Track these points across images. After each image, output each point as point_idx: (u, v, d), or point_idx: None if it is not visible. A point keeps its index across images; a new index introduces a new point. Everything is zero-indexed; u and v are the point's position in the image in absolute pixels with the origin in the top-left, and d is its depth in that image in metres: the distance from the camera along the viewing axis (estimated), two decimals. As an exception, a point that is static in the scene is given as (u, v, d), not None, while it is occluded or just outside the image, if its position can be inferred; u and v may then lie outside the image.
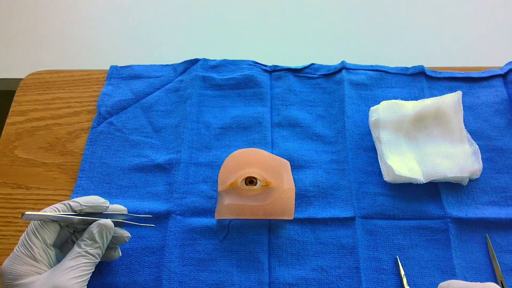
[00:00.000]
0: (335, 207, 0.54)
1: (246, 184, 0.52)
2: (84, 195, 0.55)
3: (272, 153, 0.57)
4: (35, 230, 0.42)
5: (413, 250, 0.51)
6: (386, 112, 0.56)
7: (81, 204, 0.44)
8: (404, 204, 0.54)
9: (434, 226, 0.52)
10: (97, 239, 0.43)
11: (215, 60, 0.66)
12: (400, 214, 0.53)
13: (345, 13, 1.19)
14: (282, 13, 1.22)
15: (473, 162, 0.54)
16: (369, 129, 0.59)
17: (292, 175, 0.55)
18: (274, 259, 0.51)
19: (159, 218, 0.53)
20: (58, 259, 0.44)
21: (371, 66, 0.64)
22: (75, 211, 0.44)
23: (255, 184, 0.52)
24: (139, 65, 0.66)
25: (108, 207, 0.46)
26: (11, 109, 0.63)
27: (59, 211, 0.43)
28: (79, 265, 0.41)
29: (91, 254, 0.42)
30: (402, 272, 0.49)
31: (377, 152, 0.57)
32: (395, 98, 0.60)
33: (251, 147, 0.58)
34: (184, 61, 0.66)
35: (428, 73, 0.63)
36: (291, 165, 0.56)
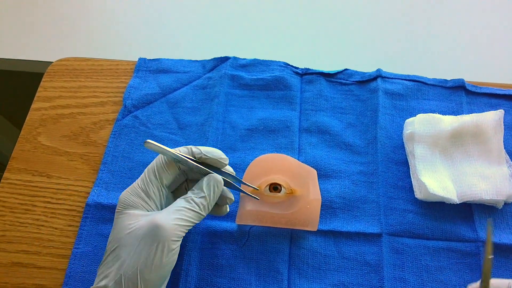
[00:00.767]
0: (361, 221, 0.51)
1: (270, 191, 0.50)
2: (105, 189, 0.54)
3: (298, 159, 0.55)
4: (155, 169, 0.44)
5: (441, 273, 0.48)
6: (423, 126, 0.54)
7: (201, 152, 0.45)
8: (434, 223, 0.51)
9: (465, 249, 0.49)
10: (204, 189, 0.43)
11: (245, 59, 0.64)
12: (429, 233, 0.50)
13: (384, 20, 1.16)
14: (318, 15, 1.19)
15: (510, 185, 0.51)
16: (402, 142, 0.56)
17: (318, 184, 0.53)
18: (294, 271, 0.49)
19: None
20: (169, 204, 0.44)
21: (408, 76, 0.61)
22: (195, 157, 0.45)
23: (280, 191, 0.50)
24: (167, 59, 0.65)
25: (226, 164, 0.47)
26: (36, 94, 0.63)
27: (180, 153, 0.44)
28: (181, 209, 0.42)
29: (195, 203, 0.42)
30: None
31: (410, 167, 0.54)
32: (432, 111, 0.57)
33: (277, 151, 0.56)
34: (214, 58, 0.64)
35: (468, 87, 0.60)
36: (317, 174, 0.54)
